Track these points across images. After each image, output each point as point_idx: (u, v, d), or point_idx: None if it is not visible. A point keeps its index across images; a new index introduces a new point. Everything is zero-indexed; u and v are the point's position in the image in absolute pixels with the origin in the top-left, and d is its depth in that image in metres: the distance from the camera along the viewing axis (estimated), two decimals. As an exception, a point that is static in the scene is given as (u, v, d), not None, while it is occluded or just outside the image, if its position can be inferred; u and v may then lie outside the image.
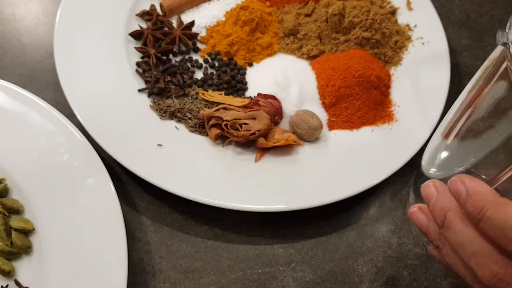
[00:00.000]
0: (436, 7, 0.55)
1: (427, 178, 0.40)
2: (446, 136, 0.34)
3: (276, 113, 0.46)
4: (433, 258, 0.35)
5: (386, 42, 0.51)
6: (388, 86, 0.49)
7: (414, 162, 0.44)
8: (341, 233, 0.43)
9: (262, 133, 0.44)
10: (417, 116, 0.47)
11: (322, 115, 0.47)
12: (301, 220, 0.44)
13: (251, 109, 0.45)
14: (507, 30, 0.27)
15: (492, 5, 0.60)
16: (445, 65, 0.50)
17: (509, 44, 0.26)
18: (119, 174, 0.44)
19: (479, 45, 0.57)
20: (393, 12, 0.54)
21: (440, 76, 0.49)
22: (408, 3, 0.55)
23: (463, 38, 0.57)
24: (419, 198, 0.41)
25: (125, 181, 0.44)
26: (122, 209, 0.42)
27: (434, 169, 0.36)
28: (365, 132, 0.46)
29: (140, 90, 0.46)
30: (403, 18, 0.54)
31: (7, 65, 0.50)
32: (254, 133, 0.43)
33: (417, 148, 0.44)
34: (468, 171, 0.33)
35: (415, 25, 0.54)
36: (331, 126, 0.47)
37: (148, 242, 0.42)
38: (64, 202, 0.39)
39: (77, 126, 0.42)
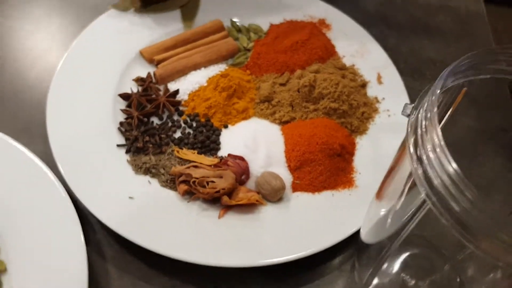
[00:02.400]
0: (404, 81, 0.59)
1: (367, 246, 0.43)
2: (378, 196, 0.37)
3: (243, 173, 0.49)
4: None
5: (353, 112, 0.55)
6: (351, 154, 0.53)
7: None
8: (295, 292, 0.45)
9: (226, 191, 0.47)
10: (376, 183, 0.50)
11: (287, 177, 0.51)
12: (257, 277, 0.46)
13: (220, 168, 0.49)
14: (412, 105, 0.31)
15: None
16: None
17: (411, 115, 0.30)
18: (92, 222, 0.48)
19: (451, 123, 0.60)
20: (364, 85, 0.59)
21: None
22: (379, 78, 0.59)
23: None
24: (363, 267, 0.44)
25: (97, 230, 0.47)
26: (90, 256, 0.45)
27: (369, 236, 0.39)
28: (326, 196, 0.49)
29: (118, 145, 0.50)
30: (373, 91, 0.59)
31: (4, 117, 0.55)
32: (218, 191, 0.47)
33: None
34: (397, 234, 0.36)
35: (383, 98, 0.58)
36: (295, 188, 0.50)
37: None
38: (36, 248, 0.43)
39: (58, 176, 0.46)
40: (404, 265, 0.47)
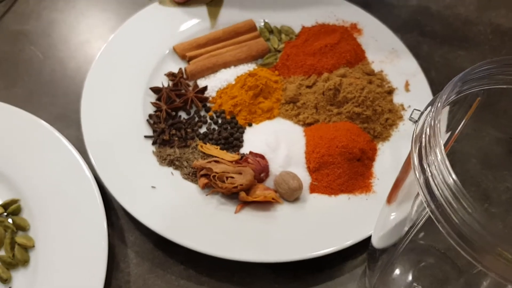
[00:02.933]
0: (433, 91, 0.58)
1: (376, 251, 0.43)
2: (389, 200, 0.37)
3: (262, 171, 0.51)
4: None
5: (376, 118, 0.55)
6: (371, 159, 0.53)
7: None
8: (304, 291, 0.46)
9: (244, 188, 0.48)
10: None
11: (306, 178, 0.52)
12: (269, 273, 0.47)
13: (240, 165, 0.50)
14: (420, 111, 0.31)
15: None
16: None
17: (418, 122, 0.31)
18: (117, 208, 0.50)
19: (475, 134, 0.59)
20: (390, 91, 0.59)
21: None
22: (407, 85, 0.59)
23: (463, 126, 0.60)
24: (372, 272, 0.44)
25: (120, 216, 0.50)
26: (113, 241, 0.48)
27: (377, 240, 0.39)
28: (342, 199, 0.50)
29: (146, 137, 0.53)
30: (399, 98, 0.58)
31: (44, 103, 0.58)
32: (236, 187, 0.48)
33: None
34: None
35: (409, 106, 0.57)
36: (312, 190, 0.51)
37: (129, 273, 0.47)
38: (62, 227, 0.46)
39: (87, 162, 0.49)
40: (418, 275, 0.47)
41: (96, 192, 0.47)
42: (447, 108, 0.39)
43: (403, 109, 0.57)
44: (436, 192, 0.26)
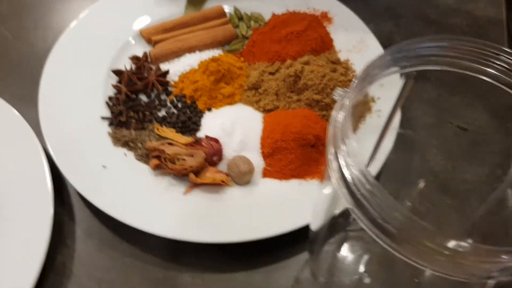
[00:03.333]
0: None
1: (313, 233, 0.43)
2: (322, 178, 0.37)
3: (214, 154, 0.51)
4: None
5: (336, 106, 0.55)
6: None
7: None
8: (248, 274, 0.46)
9: (193, 170, 0.48)
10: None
11: (260, 163, 0.51)
12: (215, 254, 0.47)
13: (193, 148, 0.50)
14: (343, 90, 0.31)
15: (463, 88, 0.62)
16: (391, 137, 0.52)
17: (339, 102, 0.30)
18: (68, 187, 0.51)
19: (439, 124, 0.59)
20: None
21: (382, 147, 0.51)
22: (370, 74, 0.58)
23: (425, 116, 0.59)
24: (312, 255, 0.44)
25: (71, 194, 0.50)
26: (62, 217, 0.49)
27: (313, 220, 0.39)
28: (293, 184, 0.50)
29: (103, 118, 0.53)
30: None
31: (10, 84, 0.59)
32: (186, 169, 0.48)
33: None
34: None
35: (378, 97, 0.57)
36: (265, 174, 0.51)
37: (74, 250, 0.47)
38: (8, 200, 0.46)
39: (41, 140, 0.50)
40: (364, 262, 0.46)
41: (46, 168, 0.48)
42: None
43: (373, 101, 0.57)
44: (349, 177, 0.26)
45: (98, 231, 0.48)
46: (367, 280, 0.45)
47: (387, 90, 0.58)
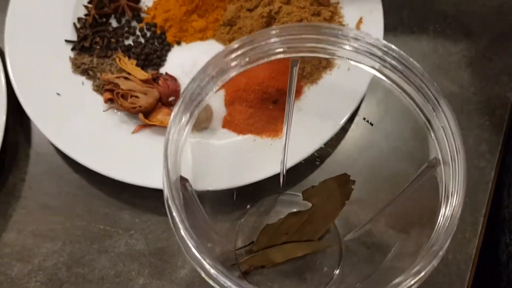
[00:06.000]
0: (398, 34, 0.52)
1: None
2: None
3: (171, 95, 0.49)
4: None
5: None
6: (290, 102, 0.49)
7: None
8: (185, 220, 0.47)
9: (143, 110, 0.47)
10: (301, 137, 0.47)
11: (221, 110, 0.49)
12: (156, 197, 0.47)
13: (149, 85, 0.48)
14: None
15: (463, 46, 0.55)
16: (356, 99, 0.47)
17: None
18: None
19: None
20: (340, 28, 0.52)
21: (345, 105, 0.48)
22: (359, 23, 0.52)
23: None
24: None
25: (26, 116, 0.50)
26: (18, 138, 0.50)
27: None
28: (248, 140, 0.48)
29: (66, 41, 0.51)
30: (348, 36, 0.52)
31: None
32: (135, 108, 0.47)
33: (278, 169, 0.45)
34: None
35: (357, 48, 0.51)
36: (224, 124, 0.49)
37: (26, 172, 0.49)
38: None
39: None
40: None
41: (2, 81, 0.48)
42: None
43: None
44: None
45: (50, 158, 0.49)
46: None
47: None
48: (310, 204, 0.39)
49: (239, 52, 0.29)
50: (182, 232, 0.25)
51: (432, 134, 0.26)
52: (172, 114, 0.28)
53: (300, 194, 0.38)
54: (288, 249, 0.42)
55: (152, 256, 0.45)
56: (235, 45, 0.29)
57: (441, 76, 0.54)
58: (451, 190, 0.23)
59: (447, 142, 0.25)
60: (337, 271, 0.42)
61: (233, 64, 0.29)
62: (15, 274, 0.45)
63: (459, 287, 0.43)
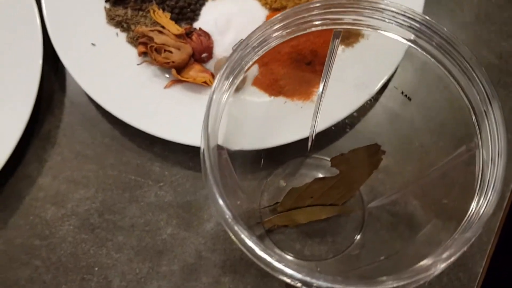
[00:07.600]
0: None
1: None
2: None
3: (203, 52, 0.49)
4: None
5: (348, 19, 0.49)
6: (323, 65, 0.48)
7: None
8: (213, 176, 0.48)
9: (175, 65, 0.47)
10: (334, 103, 0.47)
11: (254, 69, 0.49)
12: (186, 152, 0.49)
13: (182, 41, 0.48)
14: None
15: (507, 14, 0.53)
16: (390, 67, 0.46)
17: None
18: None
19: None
20: (380, -10, 0.51)
21: (379, 73, 0.47)
22: (401, -15, 0.50)
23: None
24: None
25: (61, 65, 0.51)
26: (54, 87, 0.51)
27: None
28: (279, 102, 0.48)
29: (101, -7, 0.51)
30: (388, -1, 0.50)
31: None
32: (168, 63, 0.47)
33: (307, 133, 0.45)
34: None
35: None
36: (255, 82, 0.49)
37: (60, 120, 0.50)
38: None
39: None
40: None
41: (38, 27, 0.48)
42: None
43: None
44: None
45: (84, 108, 0.50)
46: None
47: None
48: (335, 170, 0.39)
49: (282, 24, 0.29)
50: (214, 189, 0.26)
51: (474, 118, 0.26)
52: (215, 82, 0.28)
53: (326, 158, 0.38)
54: (312, 212, 0.44)
55: (180, 208, 0.47)
56: (279, 17, 0.28)
57: (479, 46, 0.52)
58: (487, 180, 0.23)
59: (490, 136, 0.24)
60: (358, 236, 0.44)
61: (274, 35, 0.29)
62: (49, 217, 0.47)
63: (479, 259, 0.43)
